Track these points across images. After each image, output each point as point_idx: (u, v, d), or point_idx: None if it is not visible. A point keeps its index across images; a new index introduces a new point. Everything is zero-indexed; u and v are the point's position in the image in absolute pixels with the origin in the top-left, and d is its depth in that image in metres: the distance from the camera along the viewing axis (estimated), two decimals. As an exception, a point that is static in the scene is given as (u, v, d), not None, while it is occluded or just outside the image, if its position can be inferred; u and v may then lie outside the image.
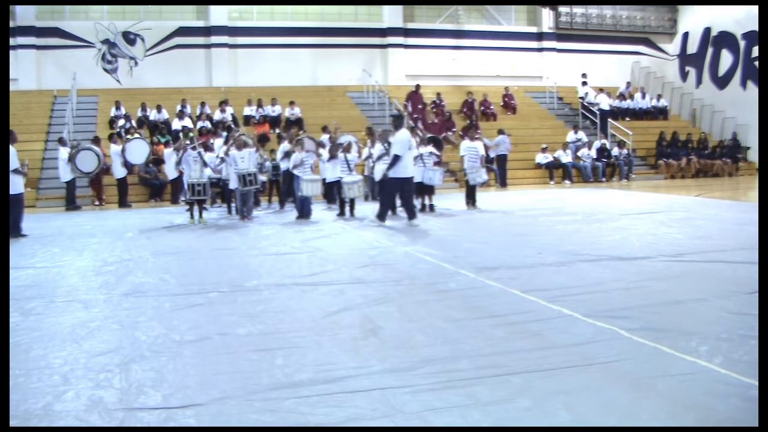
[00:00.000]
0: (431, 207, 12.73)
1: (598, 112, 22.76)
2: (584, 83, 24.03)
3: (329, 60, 23.74)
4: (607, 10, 26.39)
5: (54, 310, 5.70)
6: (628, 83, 25.57)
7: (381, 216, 10.85)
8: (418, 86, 21.85)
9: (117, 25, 22.28)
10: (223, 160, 13.19)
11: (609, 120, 22.80)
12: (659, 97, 25.54)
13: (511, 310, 5.26)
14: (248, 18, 23.73)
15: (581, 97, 23.83)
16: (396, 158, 10.58)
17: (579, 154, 20.80)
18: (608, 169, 20.71)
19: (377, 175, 12.82)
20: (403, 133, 10.79)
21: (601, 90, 23.83)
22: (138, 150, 16.17)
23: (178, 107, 19.54)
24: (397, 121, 11.13)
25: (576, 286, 6.03)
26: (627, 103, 24.61)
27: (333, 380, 3.84)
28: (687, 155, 21.94)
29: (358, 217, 12.07)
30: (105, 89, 21.41)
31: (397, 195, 11.24)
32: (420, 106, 21.30)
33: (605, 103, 23.29)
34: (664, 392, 3.58)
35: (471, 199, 13.18)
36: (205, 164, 12.25)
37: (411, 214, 10.87)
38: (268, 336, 4.76)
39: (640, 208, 12.57)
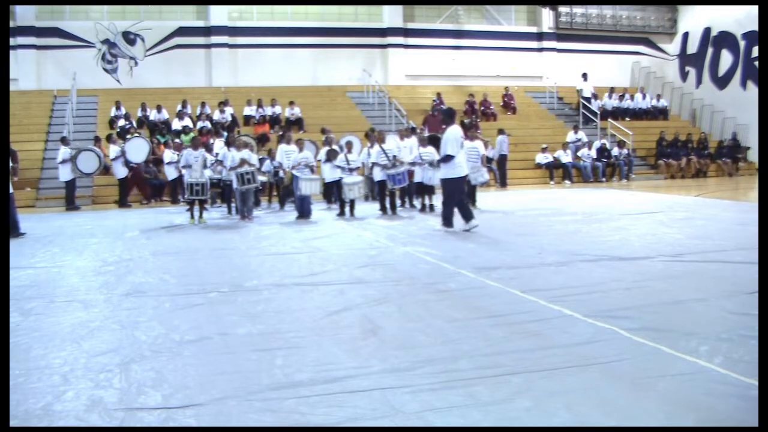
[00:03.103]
0: (431, 207, 12.73)
1: (598, 112, 22.82)
2: (584, 75, 24.29)
3: (329, 60, 23.74)
4: (607, 10, 26.40)
5: (54, 310, 5.70)
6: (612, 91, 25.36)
7: (446, 221, 9.89)
8: (434, 111, 21.08)
9: (117, 25, 22.28)
10: (220, 162, 13.19)
11: (610, 120, 22.86)
12: (659, 97, 25.55)
13: (511, 310, 5.26)
14: (248, 18, 23.73)
15: (583, 96, 23.92)
16: (448, 158, 9.65)
17: (579, 154, 20.80)
18: (608, 169, 20.72)
19: (376, 176, 12.84)
20: (454, 130, 9.81)
21: (584, 77, 24.13)
22: (138, 148, 16.19)
23: (178, 107, 19.54)
24: (448, 117, 10.18)
25: (576, 286, 6.03)
26: (627, 103, 24.62)
27: (333, 380, 3.84)
28: (687, 155, 21.96)
29: (358, 217, 12.07)
30: (105, 89, 21.41)
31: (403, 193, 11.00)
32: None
33: (587, 91, 23.69)
34: (664, 392, 3.58)
35: (471, 199, 13.16)
36: (205, 165, 12.27)
37: (468, 216, 9.89)
38: (268, 336, 4.76)
39: (640, 208, 12.57)
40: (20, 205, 15.23)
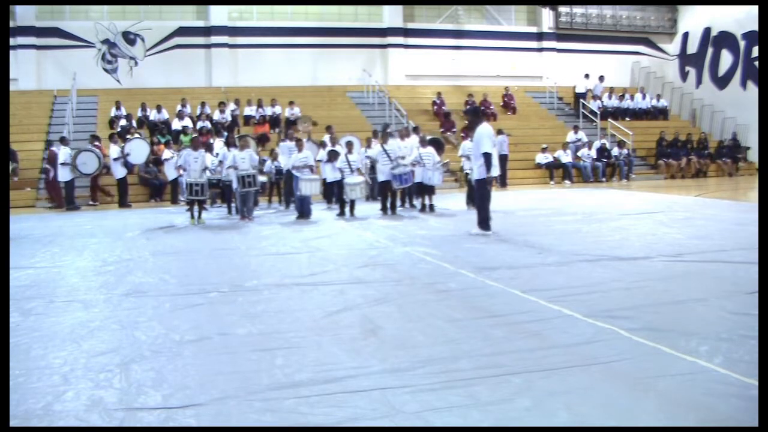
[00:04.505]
0: (431, 207, 12.73)
1: (598, 112, 22.82)
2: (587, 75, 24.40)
3: (329, 60, 23.74)
4: (607, 10, 26.40)
5: (54, 310, 5.70)
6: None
7: (483, 224, 9.50)
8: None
9: (117, 25, 22.28)
10: (221, 162, 13.18)
11: (610, 120, 22.88)
12: (659, 97, 25.55)
13: (511, 310, 5.26)
14: (248, 18, 23.73)
15: (579, 93, 23.97)
16: (488, 156, 9.28)
17: (579, 154, 20.80)
18: (608, 169, 20.72)
19: (380, 176, 12.82)
20: (486, 127, 9.56)
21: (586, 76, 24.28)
22: (138, 150, 16.20)
23: (178, 107, 19.53)
24: (475, 116, 10.05)
25: (576, 286, 6.03)
26: (627, 103, 24.63)
27: (333, 380, 3.84)
28: (687, 155, 21.96)
29: (359, 217, 12.06)
30: (105, 89, 21.40)
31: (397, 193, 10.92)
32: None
33: (580, 86, 23.98)
34: (664, 392, 3.58)
35: (471, 199, 13.15)
36: (206, 168, 12.26)
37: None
38: (268, 336, 4.76)
39: (640, 208, 12.57)
40: (20, 205, 15.28)
